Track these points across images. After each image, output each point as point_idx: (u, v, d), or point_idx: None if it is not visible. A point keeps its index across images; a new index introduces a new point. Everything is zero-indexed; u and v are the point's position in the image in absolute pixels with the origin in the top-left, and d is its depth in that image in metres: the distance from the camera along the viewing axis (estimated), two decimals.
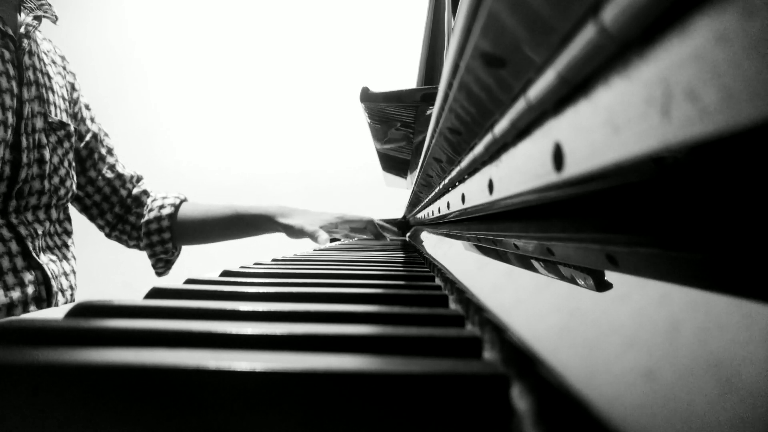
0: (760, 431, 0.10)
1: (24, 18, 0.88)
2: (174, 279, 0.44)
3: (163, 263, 1.15)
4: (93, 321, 0.26)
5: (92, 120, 1.06)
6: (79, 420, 0.18)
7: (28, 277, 0.84)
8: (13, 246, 0.83)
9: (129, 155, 1.13)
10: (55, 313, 0.33)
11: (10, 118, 0.82)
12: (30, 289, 0.85)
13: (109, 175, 1.08)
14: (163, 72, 3.12)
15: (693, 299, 0.14)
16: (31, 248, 0.85)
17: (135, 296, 0.37)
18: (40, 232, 0.89)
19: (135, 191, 1.11)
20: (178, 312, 0.30)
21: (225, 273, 0.51)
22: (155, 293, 0.37)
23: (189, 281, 0.43)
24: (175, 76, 3.13)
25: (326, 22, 3.11)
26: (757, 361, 0.11)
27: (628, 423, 0.13)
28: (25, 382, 0.18)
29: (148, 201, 1.12)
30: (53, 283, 0.88)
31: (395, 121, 1.03)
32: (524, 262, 0.32)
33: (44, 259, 0.88)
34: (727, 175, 0.13)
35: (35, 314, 0.33)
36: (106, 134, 1.10)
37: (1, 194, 0.83)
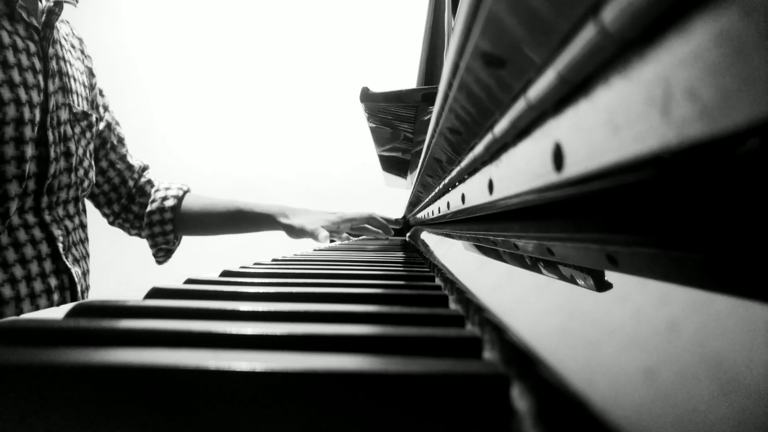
0: (761, 431, 0.10)
1: (45, 5, 0.84)
2: (174, 279, 0.44)
3: (163, 252, 1.15)
4: (93, 321, 0.26)
5: (106, 108, 1.04)
6: (79, 420, 0.18)
7: (54, 282, 0.83)
8: (44, 248, 0.81)
9: None
10: (55, 313, 0.33)
11: (38, 115, 0.79)
12: (56, 296, 0.83)
13: (120, 166, 1.07)
14: (159, 73, 3.12)
15: (693, 299, 0.14)
16: (61, 249, 0.84)
17: (135, 294, 0.37)
18: (70, 228, 0.88)
19: (141, 181, 1.11)
20: (178, 312, 0.30)
21: (225, 273, 0.51)
22: (155, 293, 0.37)
23: (189, 281, 0.43)
24: (171, 77, 3.12)
25: (326, 22, 3.11)
26: (757, 361, 0.11)
27: (627, 423, 0.13)
28: (25, 382, 0.18)
29: (152, 191, 1.11)
30: (78, 288, 0.88)
31: (395, 121, 1.03)
32: (524, 262, 0.32)
33: (70, 259, 0.87)
34: (727, 175, 0.13)
35: (35, 314, 0.33)
36: (117, 123, 1.07)
37: (31, 192, 0.80)
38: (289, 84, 3.11)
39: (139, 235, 1.13)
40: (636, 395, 0.14)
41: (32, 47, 0.81)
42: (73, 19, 1.00)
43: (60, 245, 0.84)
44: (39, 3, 0.84)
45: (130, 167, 1.08)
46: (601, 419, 0.14)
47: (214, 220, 1.12)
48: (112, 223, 1.12)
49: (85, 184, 0.92)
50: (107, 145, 1.04)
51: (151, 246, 1.13)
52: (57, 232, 0.84)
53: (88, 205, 1.06)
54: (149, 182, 1.12)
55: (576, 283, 0.23)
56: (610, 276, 0.20)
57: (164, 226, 1.10)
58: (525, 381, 0.20)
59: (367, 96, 0.94)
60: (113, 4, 3.09)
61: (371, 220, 1.17)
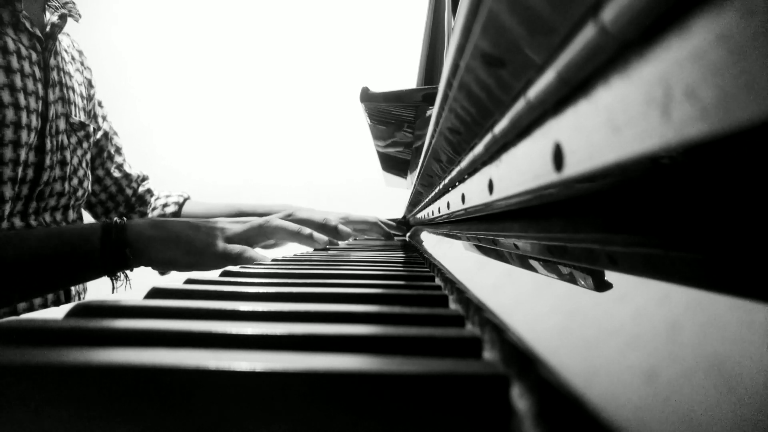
0: (760, 431, 0.10)
1: (49, 17, 0.87)
2: (174, 279, 0.44)
3: None
4: (93, 321, 0.26)
5: (104, 118, 1.06)
6: (78, 420, 0.18)
7: None
8: None
9: None
10: (55, 313, 0.33)
11: (35, 121, 0.81)
12: (50, 294, 0.84)
13: (117, 174, 1.08)
14: (154, 79, 3.11)
15: (693, 299, 0.14)
16: None
17: (135, 296, 0.37)
18: None
19: (140, 190, 1.12)
20: (178, 312, 0.30)
21: (225, 273, 0.51)
22: (155, 293, 0.37)
23: (189, 281, 0.43)
24: (164, 82, 3.11)
25: (326, 22, 3.11)
26: (757, 361, 0.11)
27: (628, 423, 0.13)
28: (25, 382, 0.18)
29: (152, 200, 1.12)
30: (72, 288, 0.88)
31: (395, 121, 1.03)
32: (524, 261, 0.32)
33: None
34: (727, 174, 0.13)
35: (35, 314, 0.33)
36: (115, 132, 1.09)
37: (23, 197, 0.82)
38: (287, 85, 3.11)
39: None
40: (636, 395, 0.14)
41: (34, 56, 0.83)
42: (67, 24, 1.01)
43: None
44: (44, 16, 0.86)
45: (127, 176, 1.09)
46: (601, 419, 0.14)
47: None
48: None
49: (79, 193, 0.93)
50: (104, 153, 1.06)
51: None
52: None
53: (89, 216, 1.07)
54: (149, 191, 1.13)
55: (576, 283, 0.23)
56: (610, 276, 0.20)
57: None
58: (525, 381, 0.20)
59: (367, 96, 0.94)
60: (104, 7, 3.07)
61: (375, 226, 1.17)
